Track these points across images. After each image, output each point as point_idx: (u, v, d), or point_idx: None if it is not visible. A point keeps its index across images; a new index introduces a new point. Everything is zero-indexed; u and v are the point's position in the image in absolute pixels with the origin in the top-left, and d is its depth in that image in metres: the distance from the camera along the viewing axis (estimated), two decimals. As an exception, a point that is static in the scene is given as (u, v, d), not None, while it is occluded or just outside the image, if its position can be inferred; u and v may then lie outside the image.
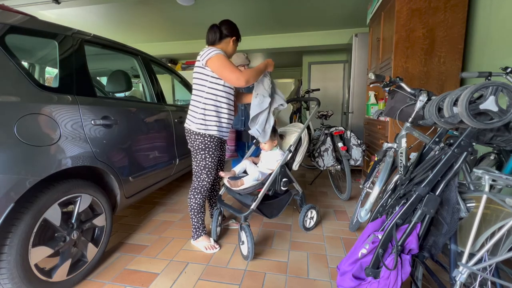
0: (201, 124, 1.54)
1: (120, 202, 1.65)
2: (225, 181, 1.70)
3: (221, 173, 1.73)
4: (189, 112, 1.61)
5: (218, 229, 1.82)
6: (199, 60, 1.52)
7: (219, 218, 1.83)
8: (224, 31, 1.60)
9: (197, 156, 1.60)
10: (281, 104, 1.71)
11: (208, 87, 1.53)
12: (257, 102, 1.63)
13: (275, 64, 1.77)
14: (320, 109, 2.69)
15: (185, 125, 1.62)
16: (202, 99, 1.54)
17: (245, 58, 2.39)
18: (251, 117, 1.64)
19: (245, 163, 1.82)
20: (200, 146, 1.57)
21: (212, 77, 1.52)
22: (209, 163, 1.60)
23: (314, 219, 1.97)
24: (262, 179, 1.64)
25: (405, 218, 1.01)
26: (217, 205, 1.81)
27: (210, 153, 1.58)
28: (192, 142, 1.59)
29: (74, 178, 1.34)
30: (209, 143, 1.57)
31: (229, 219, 2.07)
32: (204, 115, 1.54)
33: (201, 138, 1.56)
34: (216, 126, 1.56)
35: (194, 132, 1.56)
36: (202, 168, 1.60)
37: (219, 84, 1.54)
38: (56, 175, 1.23)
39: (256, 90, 1.67)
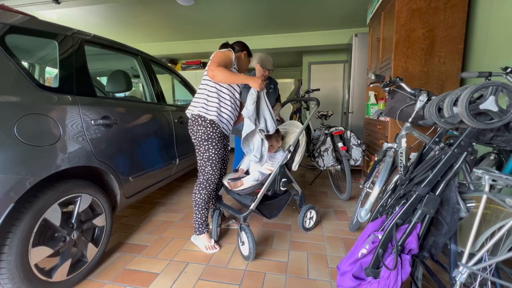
0: (202, 107, 1.57)
1: (120, 202, 1.64)
2: (225, 182, 1.70)
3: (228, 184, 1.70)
4: (192, 101, 1.65)
5: (218, 229, 1.82)
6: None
7: (219, 218, 1.83)
8: (236, 47, 1.72)
9: (201, 148, 1.60)
10: (261, 129, 1.60)
11: (214, 81, 1.57)
12: (244, 124, 1.61)
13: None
14: (320, 109, 2.69)
15: (187, 111, 1.65)
16: (208, 87, 1.60)
17: (271, 65, 2.37)
18: (242, 137, 1.65)
19: (249, 159, 1.83)
20: (203, 137, 1.57)
21: None
22: (213, 155, 1.60)
23: (314, 219, 1.97)
24: (262, 179, 1.64)
25: (405, 218, 1.01)
26: (217, 205, 1.81)
27: (214, 144, 1.58)
28: (195, 133, 1.59)
29: (74, 178, 1.34)
30: (211, 133, 1.57)
31: (229, 219, 2.07)
32: (206, 100, 1.58)
33: (204, 129, 1.56)
34: (216, 112, 1.57)
35: (196, 116, 1.57)
36: (206, 160, 1.60)
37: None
38: (56, 175, 1.23)
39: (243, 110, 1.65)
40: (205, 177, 1.63)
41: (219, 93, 1.59)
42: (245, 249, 1.56)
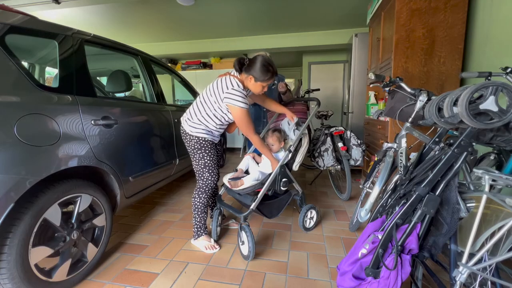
0: (194, 128, 1.60)
1: (120, 202, 1.64)
2: (225, 181, 1.70)
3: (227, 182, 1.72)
4: (188, 110, 1.65)
5: (218, 229, 1.82)
6: (221, 88, 1.50)
7: (219, 218, 1.83)
8: (248, 67, 1.51)
9: (195, 156, 1.63)
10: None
11: (212, 110, 1.57)
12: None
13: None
14: (320, 109, 2.69)
15: (181, 118, 1.67)
16: (203, 112, 1.58)
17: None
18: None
19: (247, 160, 1.83)
20: (196, 146, 1.61)
21: (220, 110, 1.55)
22: (208, 161, 1.62)
23: (314, 219, 1.97)
24: (262, 179, 1.64)
25: (405, 218, 1.01)
26: (217, 205, 1.81)
27: (207, 151, 1.61)
28: (188, 142, 1.63)
29: (74, 178, 1.34)
30: (203, 142, 1.60)
31: (229, 219, 2.07)
32: (199, 121, 1.60)
33: (196, 139, 1.60)
34: (205, 131, 1.61)
35: (188, 133, 1.62)
36: (202, 167, 1.63)
37: (221, 116, 1.58)
38: (56, 175, 1.23)
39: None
40: (204, 183, 1.66)
41: (213, 119, 1.59)
42: (245, 249, 1.56)
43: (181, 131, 1.67)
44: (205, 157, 1.61)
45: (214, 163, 1.65)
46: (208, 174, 1.64)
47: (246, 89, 1.58)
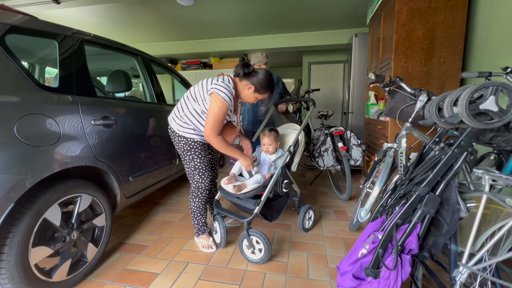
0: (181, 126, 1.53)
1: (120, 202, 1.65)
2: (223, 184, 1.66)
3: (224, 182, 1.67)
4: (175, 107, 1.59)
5: (224, 234, 1.70)
6: (210, 81, 1.48)
7: (223, 221, 1.74)
8: (250, 75, 1.48)
9: (185, 158, 1.58)
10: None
11: (199, 105, 1.50)
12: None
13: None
14: (320, 109, 2.69)
15: (168, 117, 1.60)
16: (190, 107, 1.52)
17: (263, 57, 2.35)
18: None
19: (240, 164, 1.79)
20: (185, 148, 1.55)
21: (207, 103, 1.49)
22: (198, 164, 1.57)
23: (312, 219, 1.96)
24: (264, 182, 1.60)
25: (405, 218, 1.01)
26: (214, 211, 1.74)
27: (197, 153, 1.55)
28: (177, 143, 1.57)
29: (74, 178, 1.34)
30: (192, 143, 1.54)
31: (229, 218, 2.05)
32: (189, 118, 1.53)
33: (185, 140, 1.54)
34: (193, 131, 1.54)
35: (176, 133, 1.55)
36: (192, 169, 1.58)
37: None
38: (56, 175, 1.23)
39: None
40: (196, 185, 1.61)
41: (202, 115, 1.51)
42: (258, 254, 1.51)
43: (169, 130, 1.60)
44: (195, 159, 1.56)
45: (205, 165, 1.59)
46: (198, 177, 1.59)
47: (235, 90, 1.52)
